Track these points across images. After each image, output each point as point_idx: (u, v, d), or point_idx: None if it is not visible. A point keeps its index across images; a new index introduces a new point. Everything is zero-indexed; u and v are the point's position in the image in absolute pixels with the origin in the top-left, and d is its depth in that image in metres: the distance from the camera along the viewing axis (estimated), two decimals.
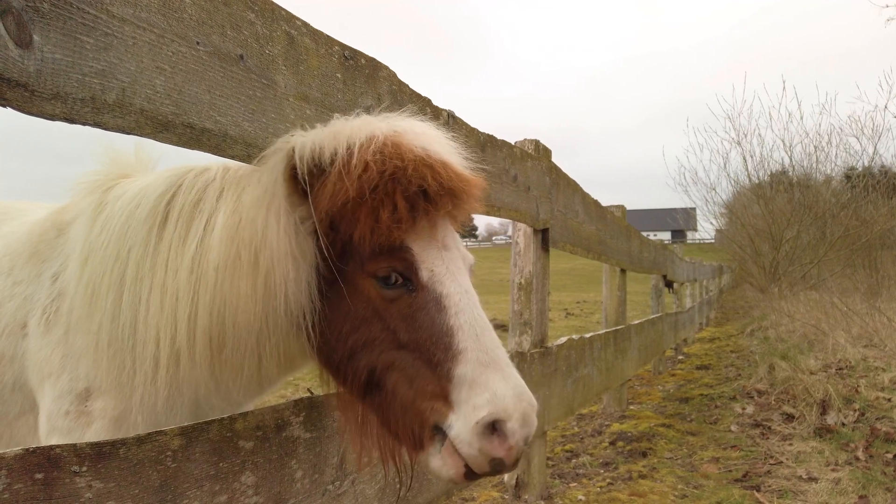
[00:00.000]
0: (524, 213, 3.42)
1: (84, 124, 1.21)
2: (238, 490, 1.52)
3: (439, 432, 1.35)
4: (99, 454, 1.21)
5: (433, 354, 1.37)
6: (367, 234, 1.37)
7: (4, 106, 1.09)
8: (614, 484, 4.06)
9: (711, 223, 24.22)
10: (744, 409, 5.97)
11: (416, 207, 1.39)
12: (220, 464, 1.47)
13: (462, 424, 1.30)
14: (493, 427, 1.29)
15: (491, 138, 3.04)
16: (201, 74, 1.43)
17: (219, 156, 1.51)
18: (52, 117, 1.15)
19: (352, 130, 1.46)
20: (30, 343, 1.74)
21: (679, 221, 29.20)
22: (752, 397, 6.36)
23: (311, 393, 1.89)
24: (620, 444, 4.99)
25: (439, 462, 1.36)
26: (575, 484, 4.13)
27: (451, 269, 1.45)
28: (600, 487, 3.99)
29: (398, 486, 2.20)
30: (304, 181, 1.42)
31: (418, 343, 1.39)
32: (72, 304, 1.60)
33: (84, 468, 1.18)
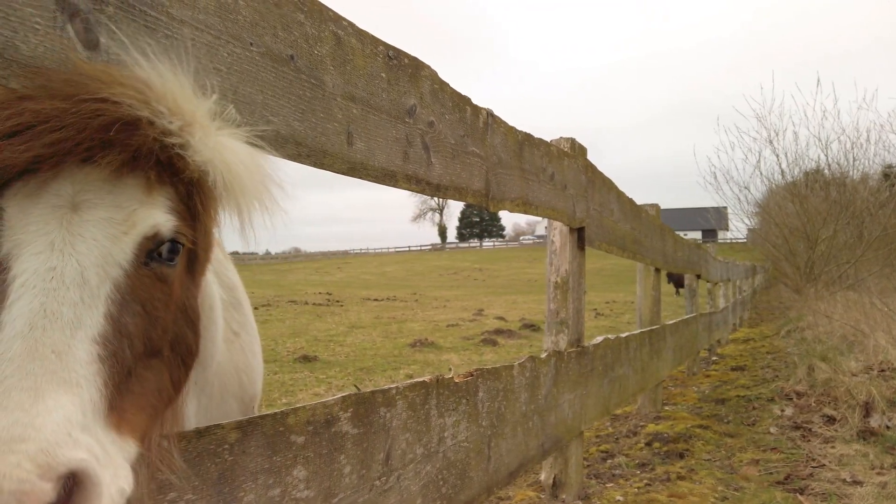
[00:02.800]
0: (561, 212, 3.41)
1: None
2: (290, 484, 1.54)
3: None
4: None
5: None
6: None
7: None
8: (652, 485, 4.02)
9: (744, 222, 23.84)
10: (783, 410, 5.86)
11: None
12: (274, 457, 1.50)
13: None
14: None
15: (528, 137, 3.04)
16: (254, 75, 1.46)
17: (271, 156, 1.54)
18: None
19: None
20: None
21: (710, 221, 28.79)
22: (790, 399, 6.24)
23: (358, 389, 1.91)
24: (657, 444, 4.94)
25: None
26: (612, 484, 4.10)
27: (58, 240, 0.95)
28: (638, 488, 3.96)
29: (440, 483, 2.21)
30: None
31: None
32: None
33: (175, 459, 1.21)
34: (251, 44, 1.45)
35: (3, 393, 0.82)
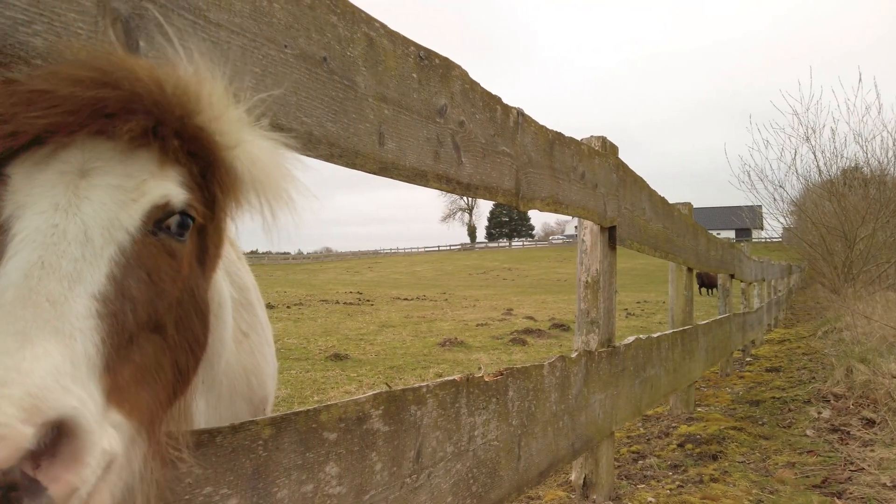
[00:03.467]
0: (592, 211, 3.39)
1: None
2: (323, 480, 1.56)
3: None
4: (198, 442, 1.27)
5: None
6: None
7: None
8: (684, 487, 3.97)
9: (779, 221, 23.33)
10: (819, 413, 5.74)
11: (6, 117, 0.93)
12: (307, 454, 1.52)
13: None
14: None
15: (559, 136, 3.03)
16: (289, 76, 1.48)
17: (303, 156, 1.56)
18: None
19: None
20: None
21: (744, 219, 28.27)
22: (828, 401, 6.10)
23: (389, 387, 1.93)
24: (689, 446, 4.88)
25: None
26: (643, 486, 4.06)
27: (62, 201, 0.94)
28: (670, 490, 3.91)
29: (470, 482, 2.22)
30: None
31: None
32: None
33: (186, 454, 1.24)
34: (285, 46, 1.48)
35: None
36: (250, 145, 1.09)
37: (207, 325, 1.14)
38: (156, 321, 0.99)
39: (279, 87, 1.45)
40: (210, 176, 1.08)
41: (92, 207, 0.95)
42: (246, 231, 1.30)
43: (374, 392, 1.79)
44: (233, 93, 1.12)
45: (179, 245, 1.05)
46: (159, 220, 1.01)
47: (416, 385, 1.96)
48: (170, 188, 1.02)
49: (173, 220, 1.03)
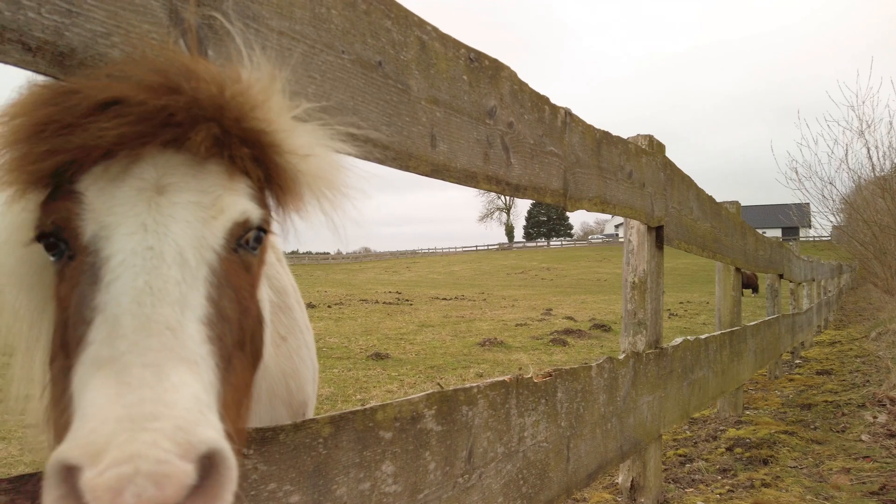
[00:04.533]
0: (639, 211, 3.35)
1: None
2: (380, 478, 1.59)
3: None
4: (262, 439, 1.30)
5: (69, 359, 0.87)
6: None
7: None
8: (735, 491, 3.89)
9: (829, 219, 22.63)
10: (875, 417, 5.56)
11: (74, 128, 0.90)
12: (364, 452, 1.54)
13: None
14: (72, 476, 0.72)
15: (606, 135, 3.01)
16: (346, 81, 1.51)
17: (360, 160, 1.58)
18: None
19: None
20: None
21: (792, 217, 27.53)
22: (884, 405, 5.91)
23: (441, 387, 1.94)
24: (738, 450, 4.78)
25: None
26: (691, 489, 4.00)
27: (149, 221, 0.92)
28: (720, 494, 3.84)
29: (520, 482, 2.22)
30: None
31: (63, 342, 0.90)
32: None
33: (251, 450, 1.28)
34: (343, 52, 1.50)
35: (121, 369, 0.77)
36: (312, 151, 1.10)
37: (263, 334, 1.14)
38: (241, 339, 1.00)
39: (338, 92, 1.48)
40: (272, 182, 1.09)
41: (179, 227, 0.93)
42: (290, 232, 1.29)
43: (427, 392, 1.80)
44: (293, 98, 1.14)
45: (254, 259, 1.06)
46: (240, 237, 1.02)
47: (468, 385, 1.97)
48: (246, 204, 1.02)
49: (251, 236, 1.04)
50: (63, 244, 0.94)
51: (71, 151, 0.91)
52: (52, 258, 0.96)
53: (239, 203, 1.01)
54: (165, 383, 0.76)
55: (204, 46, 1.19)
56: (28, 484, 0.95)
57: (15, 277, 1.05)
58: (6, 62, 0.94)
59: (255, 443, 1.29)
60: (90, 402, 0.74)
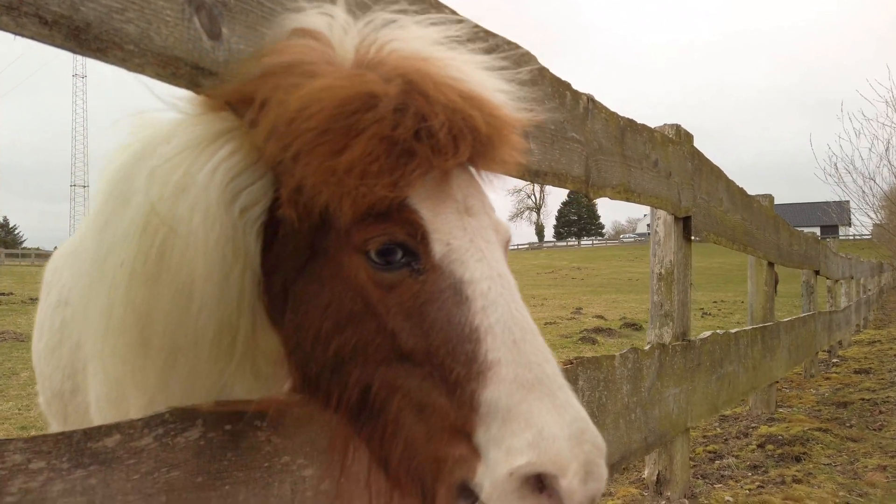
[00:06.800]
0: (665, 200, 3.31)
1: None
2: None
3: (466, 494, 0.94)
4: (276, 412, 1.32)
5: (450, 369, 0.95)
6: (344, 191, 0.96)
7: (198, 93, 1.21)
8: (765, 487, 3.82)
9: (869, 217, 22.04)
10: None
11: (414, 152, 0.98)
12: None
13: (492, 480, 0.88)
14: (540, 482, 0.88)
15: (631, 122, 2.97)
16: None
17: None
18: None
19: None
20: None
21: (831, 215, 26.84)
22: None
23: None
24: (770, 447, 4.68)
25: None
26: (720, 485, 3.93)
27: (478, 241, 1.02)
28: (749, 490, 3.77)
29: None
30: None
31: (429, 351, 0.97)
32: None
33: (265, 423, 1.29)
34: None
35: (549, 393, 0.91)
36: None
37: None
38: None
39: None
40: None
41: (499, 254, 1.06)
42: None
43: None
44: None
45: None
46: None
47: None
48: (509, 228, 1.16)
49: None
50: (410, 258, 1.01)
51: (409, 174, 0.98)
52: (374, 263, 1.01)
53: (503, 222, 1.14)
54: (575, 402, 0.92)
55: (217, 25, 1.20)
56: (44, 444, 0.97)
57: (220, 249, 1.02)
58: (23, 35, 0.97)
59: (269, 416, 1.30)
60: (539, 419, 0.88)
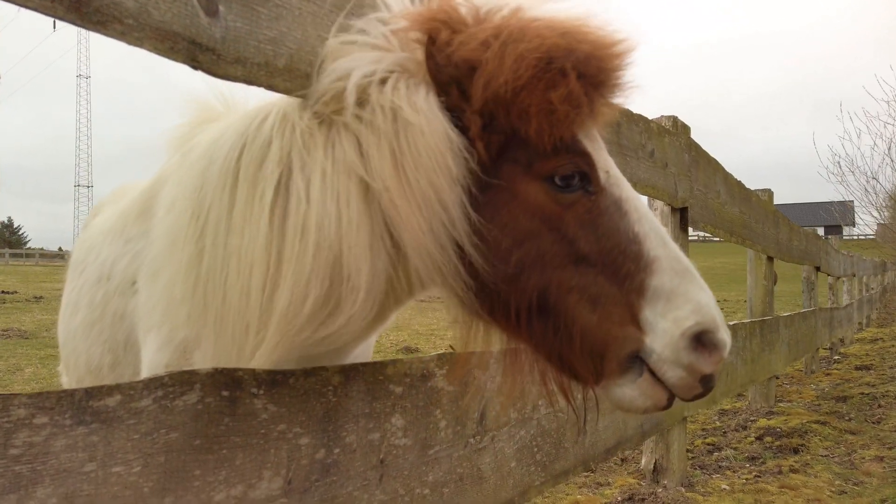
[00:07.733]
0: (661, 191, 3.33)
1: (259, 86, 1.35)
2: (389, 430, 1.63)
3: (635, 361, 1.20)
4: (273, 381, 1.36)
5: (621, 266, 1.20)
6: (545, 126, 1.18)
7: (196, 69, 1.24)
8: (762, 477, 3.84)
9: (872, 216, 21.99)
10: None
11: (591, 97, 1.22)
12: (374, 403, 1.59)
13: (664, 343, 1.15)
14: (700, 340, 1.15)
15: (627, 112, 3.00)
16: None
17: None
18: (234, 79, 1.30)
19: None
20: (139, 299, 1.69)
21: (834, 215, 26.79)
22: None
23: (453, 349, 1.98)
24: (768, 439, 4.71)
25: (635, 393, 1.20)
26: (718, 475, 3.96)
27: (616, 169, 1.31)
28: (746, 479, 3.80)
29: (534, 449, 2.24)
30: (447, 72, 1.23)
31: (602, 254, 1.21)
32: (155, 256, 1.53)
33: (261, 391, 1.33)
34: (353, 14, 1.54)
35: (695, 277, 1.21)
36: None
37: None
38: None
39: None
40: None
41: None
42: None
43: (439, 353, 1.84)
44: None
45: None
46: None
47: (481, 350, 2.00)
48: None
49: None
50: (585, 182, 1.25)
51: (585, 117, 1.24)
52: (557, 187, 1.23)
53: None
54: (705, 285, 1.23)
55: (215, 2, 1.24)
56: (47, 400, 1.01)
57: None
58: (27, 6, 1.01)
59: (266, 384, 1.34)
60: (695, 295, 1.18)
